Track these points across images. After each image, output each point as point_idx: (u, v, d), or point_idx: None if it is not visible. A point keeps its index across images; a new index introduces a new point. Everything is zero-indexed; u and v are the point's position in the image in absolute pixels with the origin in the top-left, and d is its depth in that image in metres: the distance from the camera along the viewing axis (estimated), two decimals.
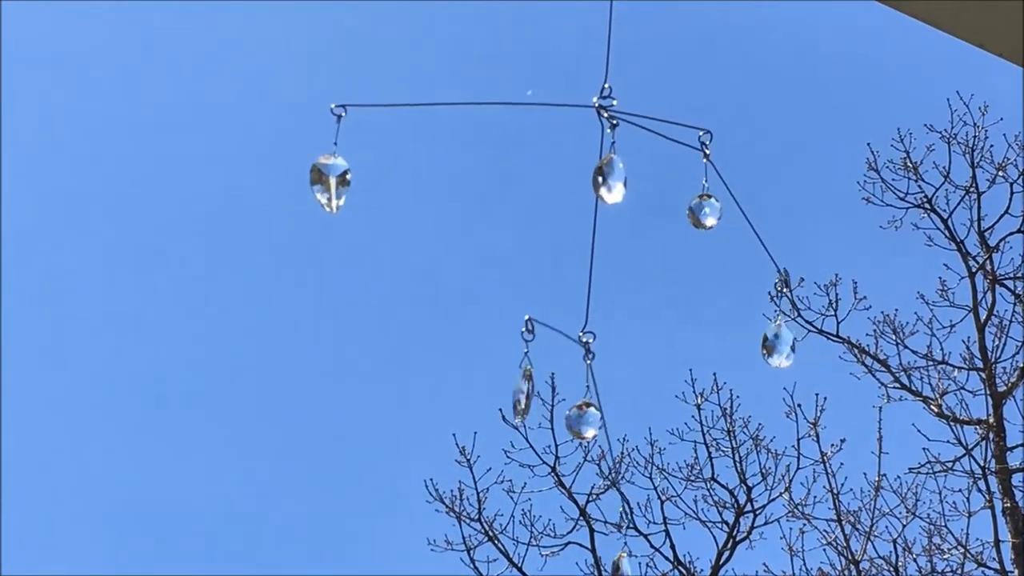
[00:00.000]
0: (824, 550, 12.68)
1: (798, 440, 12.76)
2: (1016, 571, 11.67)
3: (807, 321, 12.64)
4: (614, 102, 2.96)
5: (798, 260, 13.08)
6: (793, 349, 3.20)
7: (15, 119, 14.80)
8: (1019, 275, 12.66)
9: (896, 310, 12.80)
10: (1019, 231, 12.62)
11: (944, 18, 3.32)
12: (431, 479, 12.93)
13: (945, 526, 12.47)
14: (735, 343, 12.37)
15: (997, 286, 12.60)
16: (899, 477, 12.68)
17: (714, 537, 12.77)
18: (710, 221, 3.11)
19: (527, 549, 12.68)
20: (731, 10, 14.03)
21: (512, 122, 14.24)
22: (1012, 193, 12.62)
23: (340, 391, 16.79)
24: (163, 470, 16.23)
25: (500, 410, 11.85)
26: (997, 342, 12.46)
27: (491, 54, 15.49)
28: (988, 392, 12.30)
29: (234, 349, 16.87)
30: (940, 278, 12.70)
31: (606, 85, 2.94)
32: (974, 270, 12.64)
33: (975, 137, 12.73)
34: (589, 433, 3.05)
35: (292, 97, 14.95)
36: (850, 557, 12.52)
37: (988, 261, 12.62)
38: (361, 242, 15.79)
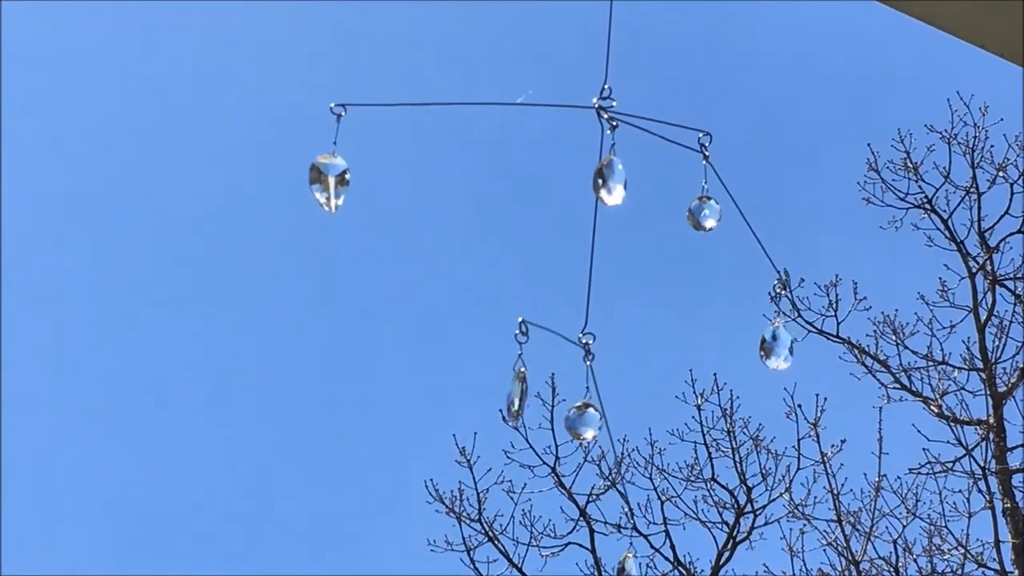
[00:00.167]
0: (824, 551, 12.70)
1: (798, 440, 12.77)
2: (1016, 572, 11.67)
3: (807, 321, 12.65)
4: (614, 103, 2.96)
5: (798, 260, 13.10)
6: (791, 351, 3.19)
7: (15, 119, 14.80)
8: (1019, 275, 12.66)
9: (896, 310, 12.81)
10: (1019, 231, 12.62)
11: (944, 18, 3.31)
12: (431, 479, 12.94)
13: (945, 527, 12.47)
14: (735, 343, 12.37)
15: (997, 287, 12.60)
16: (899, 477, 12.70)
17: (714, 537, 12.78)
18: (709, 223, 3.11)
19: (527, 550, 12.69)
20: (731, 10, 14.03)
21: (512, 123, 14.24)
22: (1012, 193, 12.62)
23: (340, 391, 16.79)
24: (163, 470, 16.23)
25: (500, 411, 11.79)
26: (997, 342, 12.47)
27: (491, 54, 15.49)
28: (988, 392, 12.30)
29: (234, 349, 16.87)
30: (940, 278, 12.71)
31: (606, 86, 2.94)
32: (974, 270, 12.63)
33: (975, 137, 12.74)
34: (588, 434, 3.04)
35: (292, 96, 14.96)
36: (850, 558, 12.52)
37: (988, 261, 12.61)
38: (361, 242, 15.79)
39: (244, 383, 16.77)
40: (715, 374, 12.83)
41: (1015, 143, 12.67)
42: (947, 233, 12.77)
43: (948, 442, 12.33)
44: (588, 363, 3.03)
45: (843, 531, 12.59)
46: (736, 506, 12.73)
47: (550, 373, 12.28)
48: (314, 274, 16.69)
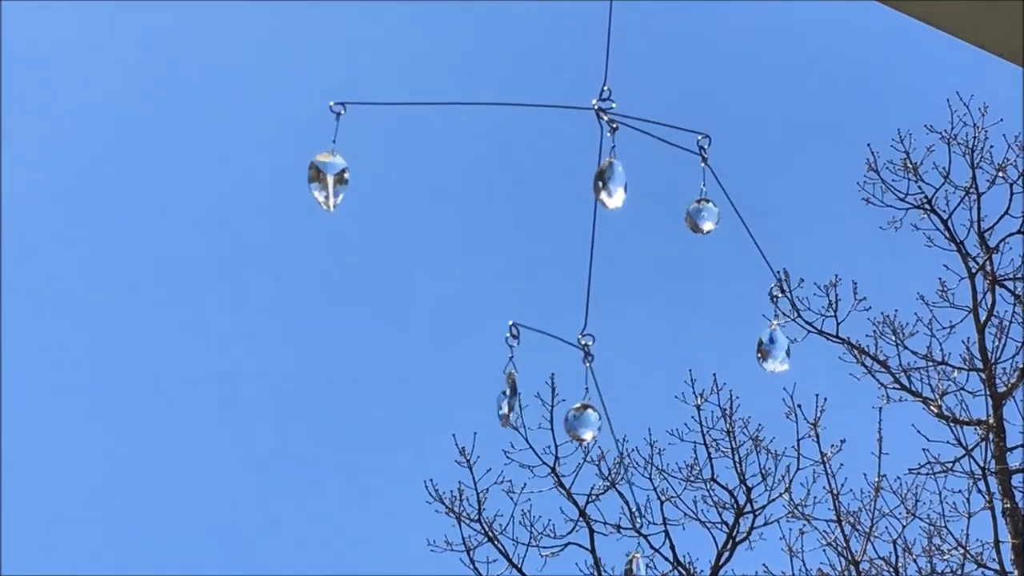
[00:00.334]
0: (824, 551, 12.69)
1: (798, 441, 12.76)
2: (1016, 572, 11.67)
3: (807, 322, 12.65)
4: (613, 104, 2.95)
5: (798, 260, 13.09)
6: (788, 354, 3.19)
7: (16, 119, 14.79)
8: (1019, 276, 12.66)
9: (896, 311, 12.81)
10: (1019, 232, 12.62)
11: (944, 18, 3.31)
12: (431, 479, 12.94)
13: (945, 527, 12.47)
14: (735, 343, 12.37)
15: (997, 287, 12.60)
16: (899, 478, 12.69)
17: (714, 538, 12.77)
18: (708, 226, 3.11)
19: (527, 550, 12.69)
20: (731, 10, 14.03)
21: (511, 123, 14.24)
22: (1012, 194, 12.63)
23: (340, 391, 16.79)
24: (163, 470, 16.23)
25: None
26: (997, 343, 12.47)
27: (491, 55, 15.49)
28: (988, 393, 12.30)
29: (233, 349, 16.87)
30: (940, 279, 12.71)
31: (605, 87, 2.93)
32: (974, 271, 12.63)
33: (975, 138, 12.74)
34: (587, 435, 3.03)
35: (291, 95, 14.95)
36: (850, 558, 12.52)
37: (988, 262, 12.61)
38: (361, 241, 15.79)
39: (244, 383, 16.77)
40: (714, 374, 12.84)
41: (1015, 143, 12.68)
42: (947, 233, 12.77)
43: (948, 442, 12.34)
44: (588, 364, 3.02)
45: (843, 531, 12.59)
46: (736, 506, 12.73)
47: (550, 373, 12.30)
48: (314, 273, 16.69)
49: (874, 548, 12.60)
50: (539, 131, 14.04)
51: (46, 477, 16.05)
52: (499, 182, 16.21)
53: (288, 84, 15.56)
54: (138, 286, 16.63)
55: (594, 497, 12.70)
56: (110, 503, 16.20)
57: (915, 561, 12.56)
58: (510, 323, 3.00)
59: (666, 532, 12.69)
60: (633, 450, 12.86)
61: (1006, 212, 12.63)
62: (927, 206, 12.80)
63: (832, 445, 12.77)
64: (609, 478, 12.69)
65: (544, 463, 12.61)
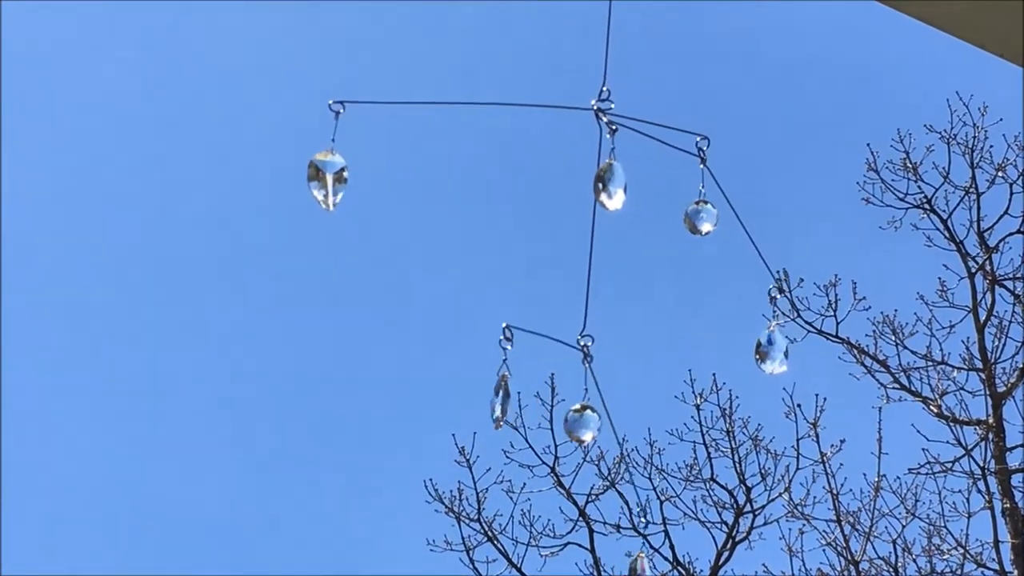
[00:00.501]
0: (824, 551, 12.69)
1: (797, 440, 12.76)
2: (1016, 572, 11.67)
3: (807, 321, 12.65)
4: (612, 105, 2.95)
5: (798, 260, 13.09)
6: (786, 355, 3.19)
7: (16, 119, 14.79)
8: (1019, 275, 12.66)
9: (896, 310, 12.80)
10: (1019, 231, 12.62)
11: (944, 18, 3.31)
12: (430, 479, 12.94)
13: (945, 527, 12.47)
14: (734, 343, 12.36)
15: (997, 286, 12.60)
16: (899, 478, 12.69)
17: (713, 538, 12.77)
18: (706, 227, 3.11)
19: (526, 549, 12.69)
20: (731, 10, 14.03)
21: (511, 123, 14.24)
22: (1012, 193, 12.63)
23: (340, 391, 16.79)
24: (163, 470, 16.23)
25: None
26: (997, 343, 12.47)
27: (491, 54, 15.48)
28: (988, 392, 12.30)
29: (233, 349, 16.87)
30: (940, 278, 12.71)
31: (604, 88, 2.93)
32: (974, 271, 12.63)
33: (975, 137, 12.74)
34: (587, 436, 3.03)
35: (291, 94, 14.95)
36: (849, 558, 12.52)
37: (988, 261, 12.61)
38: (360, 241, 15.79)
39: (243, 383, 16.77)
40: (714, 374, 12.84)
41: (1014, 143, 12.68)
42: (946, 233, 12.77)
43: (947, 442, 12.34)
44: (587, 365, 3.02)
45: (842, 531, 12.58)
46: (735, 506, 12.73)
47: (549, 373, 12.30)
48: (313, 273, 16.69)
49: (874, 548, 12.61)
50: (539, 131, 14.04)
51: (46, 477, 16.06)
52: (499, 182, 16.21)
53: (288, 83, 15.56)
54: (137, 286, 16.63)
55: (594, 497, 12.70)
56: (110, 503, 16.21)
57: (915, 561, 12.56)
58: (503, 325, 3.00)
59: (666, 532, 12.69)
60: (633, 450, 12.87)
61: (1006, 212, 12.64)
62: (927, 206, 12.80)
63: (832, 445, 12.78)
64: (609, 478, 12.69)
65: (544, 463, 12.62)
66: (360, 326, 16.77)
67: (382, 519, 15.94)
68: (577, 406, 3.02)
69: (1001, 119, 12.67)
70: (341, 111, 2.94)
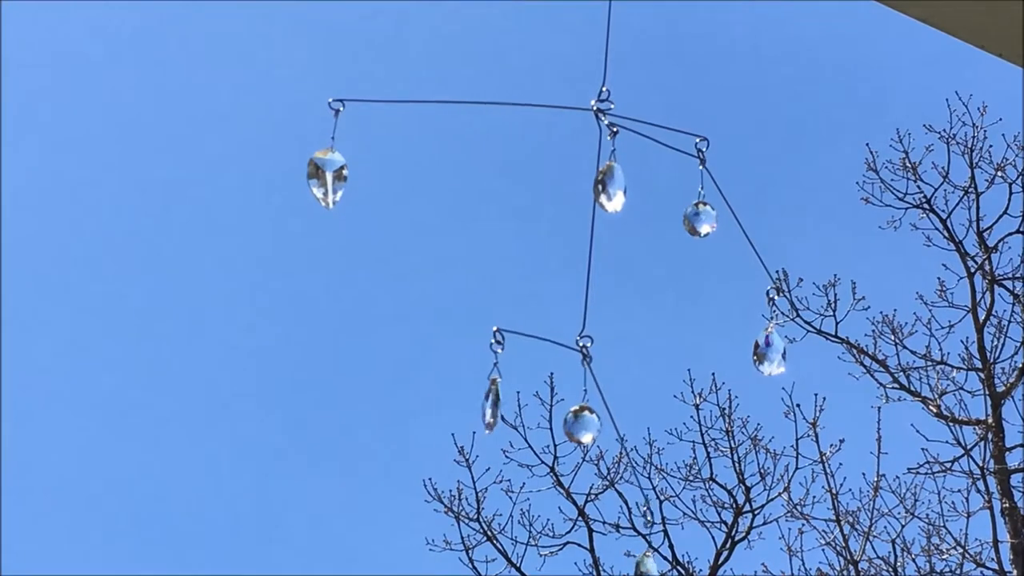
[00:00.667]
0: (823, 550, 12.69)
1: (797, 440, 12.76)
2: (1015, 571, 11.67)
3: (806, 321, 12.65)
4: (612, 105, 2.95)
5: (797, 260, 13.10)
6: (784, 356, 3.18)
7: (16, 119, 14.79)
8: (1018, 275, 12.67)
9: (895, 310, 12.81)
10: (1018, 231, 12.62)
11: (944, 18, 3.31)
12: (430, 479, 12.93)
13: (944, 526, 12.47)
14: (733, 343, 12.36)
15: (996, 286, 12.60)
16: (898, 477, 12.69)
17: (713, 537, 12.77)
18: (705, 228, 3.10)
19: (526, 549, 12.69)
20: (731, 11, 14.03)
21: (511, 123, 14.24)
22: (1011, 193, 12.63)
23: (339, 391, 16.79)
24: (163, 470, 16.23)
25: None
26: (996, 342, 12.47)
27: (492, 54, 15.48)
28: (987, 392, 12.30)
29: (232, 349, 16.86)
30: (939, 278, 12.71)
31: (604, 88, 2.93)
32: (973, 270, 12.63)
33: (974, 137, 12.74)
34: (586, 438, 3.02)
35: (291, 92, 14.95)
36: (849, 557, 12.51)
37: (987, 261, 12.61)
38: (359, 239, 15.78)
39: (243, 382, 16.77)
40: (713, 374, 12.84)
41: (1014, 143, 12.68)
42: (946, 233, 12.77)
43: (947, 442, 12.34)
44: (586, 366, 3.01)
45: (842, 531, 12.58)
46: (735, 506, 12.72)
47: (548, 373, 12.30)
48: (313, 272, 16.69)
49: (873, 548, 12.61)
50: (539, 132, 14.04)
51: (46, 477, 16.06)
52: (499, 182, 16.21)
53: (288, 82, 15.55)
54: (137, 286, 16.63)
55: (593, 497, 12.70)
56: (110, 503, 16.21)
57: (914, 561, 12.56)
58: (494, 329, 2.98)
59: (665, 532, 12.69)
60: (632, 450, 12.87)
61: (1005, 212, 12.64)
62: (926, 206, 12.80)
63: (831, 445, 12.78)
64: (608, 478, 12.69)
65: (543, 462, 12.62)
66: (360, 325, 16.77)
67: (382, 519, 15.94)
68: (576, 408, 3.01)
69: (1000, 119, 12.68)
70: (341, 109, 2.93)
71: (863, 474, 12.76)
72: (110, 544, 15.78)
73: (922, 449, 12.34)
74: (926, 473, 12.44)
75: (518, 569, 12.63)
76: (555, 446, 12.49)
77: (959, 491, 12.41)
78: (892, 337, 12.70)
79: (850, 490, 12.69)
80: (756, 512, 12.73)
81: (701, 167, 3.04)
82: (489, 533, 12.72)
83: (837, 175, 14.69)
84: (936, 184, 12.77)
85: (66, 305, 16.56)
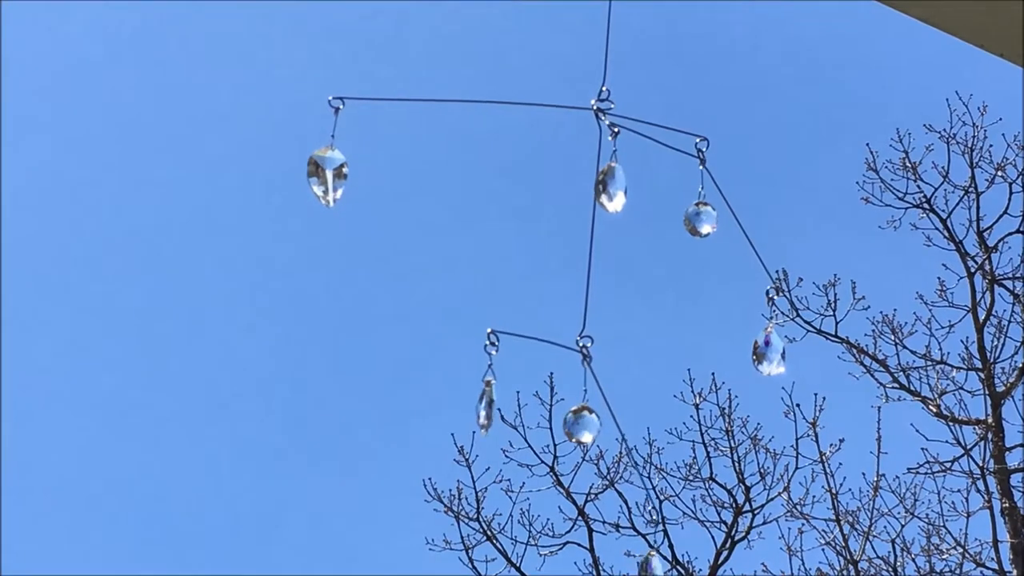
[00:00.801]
0: (823, 550, 12.69)
1: (796, 440, 12.76)
2: (1015, 571, 11.67)
3: (806, 321, 12.65)
4: (612, 105, 2.95)
5: (797, 260, 13.10)
6: (784, 356, 3.18)
7: (17, 119, 14.78)
8: (1018, 275, 12.67)
9: (895, 310, 12.81)
10: (1018, 231, 12.62)
11: (944, 18, 3.31)
12: (429, 478, 12.93)
13: (944, 526, 12.47)
14: (733, 342, 12.36)
15: (996, 286, 12.60)
16: (898, 477, 12.69)
17: (712, 537, 12.77)
18: (706, 229, 3.10)
19: (525, 548, 12.68)
20: (730, 11, 14.03)
21: (512, 123, 14.24)
22: (1011, 193, 12.63)
23: (339, 390, 16.79)
24: (163, 470, 16.22)
25: (499, 410, 11.86)
26: (996, 342, 12.47)
27: (492, 54, 15.48)
28: (987, 392, 12.30)
29: (232, 348, 16.86)
30: (939, 278, 12.71)
31: (604, 88, 2.93)
32: (973, 270, 12.63)
33: (974, 137, 12.74)
34: (586, 438, 3.02)
35: (291, 92, 14.94)
36: (849, 557, 12.51)
37: (987, 261, 12.61)
38: (359, 239, 15.78)
39: (243, 382, 16.76)
40: (713, 373, 12.84)
41: (1014, 143, 12.68)
42: (946, 233, 12.77)
43: (947, 442, 12.34)
44: (586, 366, 3.01)
45: (841, 530, 12.58)
46: (734, 505, 12.73)
47: (548, 372, 12.30)
48: (312, 271, 16.69)
49: (873, 547, 12.61)
50: (539, 131, 14.04)
51: (46, 477, 16.05)
52: (499, 181, 16.21)
53: (288, 82, 15.55)
54: (137, 286, 16.63)
55: (593, 496, 12.70)
56: (110, 503, 16.20)
57: (914, 560, 12.56)
58: (488, 331, 2.98)
59: (665, 531, 12.69)
60: (632, 449, 12.87)
61: (1005, 211, 12.64)
62: (926, 205, 12.80)
63: (831, 444, 12.78)
64: (608, 477, 12.69)
65: (543, 462, 12.62)
66: (359, 324, 16.77)
67: (382, 518, 15.94)
68: (576, 407, 3.01)
69: (1000, 119, 12.68)
70: (341, 107, 2.93)
71: (863, 474, 12.77)
72: (110, 544, 15.79)
73: (922, 449, 12.35)
74: (926, 473, 12.44)
75: (518, 569, 12.63)
76: (555, 446, 12.50)
77: (959, 491, 12.42)
78: (892, 337, 12.71)
79: (850, 490, 12.71)
80: (756, 512, 12.74)
81: (701, 167, 3.04)
82: (489, 533, 12.72)
83: (837, 175, 14.69)
84: (936, 184, 12.79)
85: (66, 305, 16.57)
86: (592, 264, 3.00)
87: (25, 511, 15.05)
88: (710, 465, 12.77)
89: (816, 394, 12.79)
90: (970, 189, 12.72)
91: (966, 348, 12.48)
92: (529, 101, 3.23)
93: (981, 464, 12.19)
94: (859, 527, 12.63)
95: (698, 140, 3.05)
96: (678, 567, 12.66)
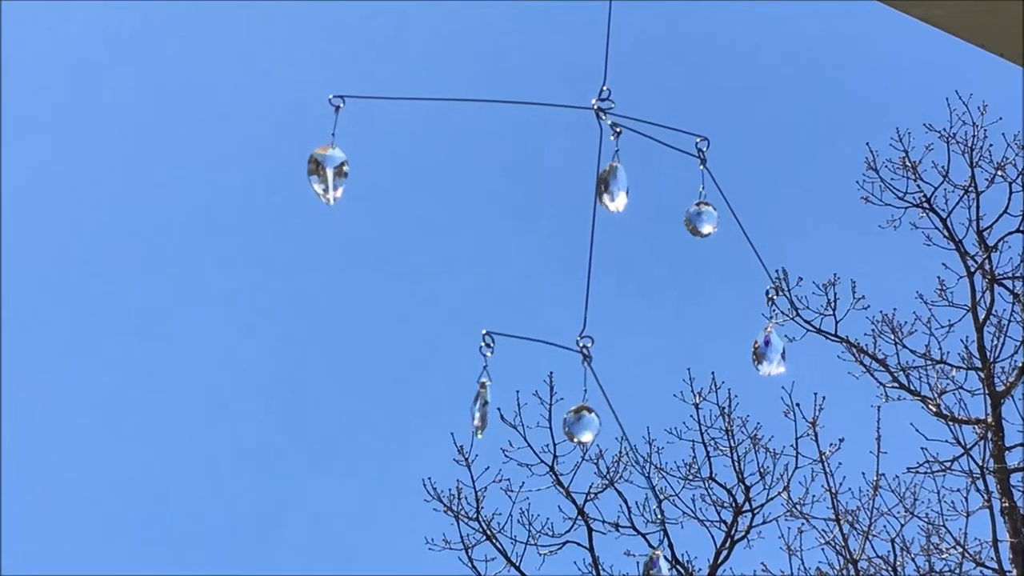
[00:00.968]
0: (822, 549, 12.69)
1: (796, 439, 12.76)
2: (1014, 571, 11.67)
3: (806, 320, 12.65)
4: (612, 104, 2.95)
5: (797, 259, 13.10)
6: (784, 356, 3.18)
7: (17, 119, 14.78)
8: (1018, 275, 12.67)
9: (895, 309, 12.81)
10: (1018, 231, 12.62)
11: (944, 18, 3.31)
12: (429, 478, 12.93)
13: (943, 525, 12.47)
14: (733, 342, 12.36)
15: (996, 285, 12.60)
16: (897, 476, 12.69)
17: (712, 536, 12.77)
18: (707, 228, 3.11)
19: (525, 548, 12.68)
20: (730, 11, 14.03)
21: (512, 122, 14.24)
22: (1011, 192, 12.63)
23: (338, 390, 16.79)
24: (163, 470, 16.22)
25: (499, 409, 11.87)
26: (996, 342, 12.47)
27: (493, 53, 15.48)
28: (986, 392, 12.30)
29: (232, 348, 16.86)
30: (939, 277, 12.71)
31: (604, 87, 2.93)
32: (973, 269, 12.64)
33: (974, 137, 12.74)
34: (586, 437, 3.02)
35: (290, 92, 14.94)
36: (848, 556, 12.51)
37: (987, 260, 12.61)
38: (359, 238, 15.78)
39: (243, 382, 16.76)
40: (713, 373, 12.84)
41: (1014, 142, 12.69)
42: (946, 232, 12.77)
43: (946, 441, 12.34)
44: (587, 366, 3.01)
45: (841, 530, 12.58)
46: (734, 505, 12.73)
47: (548, 371, 12.30)
48: (312, 270, 16.69)
49: (872, 547, 12.61)
50: (540, 131, 14.04)
51: (46, 477, 16.05)
52: (500, 180, 16.21)
53: (288, 82, 15.55)
54: (137, 286, 16.63)
55: (592, 496, 12.70)
56: (110, 503, 16.20)
57: (913, 560, 12.56)
58: (483, 332, 2.98)
59: (664, 531, 12.69)
60: (633, 448, 12.87)
61: (1005, 211, 12.64)
62: (926, 205, 12.80)
63: (830, 444, 12.78)
64: (608, 476, 12.69)
65: (542, 461, 12.61)
66: (359, 324, 16.77)
67: (381, 518, 15.94)
68: (576, 407, 3.01)
69: (1000, 118, 12.68)
70: (341, 105, 2.93)
71: (863, 473, 12.77)
72: (110, 544, 15.79)
73: (921, 448, 12.36)
74: (925, 472, 12.45)
75: (517, 568, 12.63)
76: (554, 445, 12.50)
77: (958, 490, 12.42)
78: (892, 336, 12.71)
79: (849, 489, 12.71)
80: (756, 511, 12.74)
81: (702, 167, 3.05)
82: (488, 532, 12.72)
83: (837, 175, 14.69)
84: (936, 183, 12.79)
85: (66, 305, 16.57)
86: (592, 264, 3.00)
87: (25, 511, 15.05)
88: (710, 465, 12.78)
89: (816, 393, 12.81)
90: (970, 188, 12.72)
91: (966, 347, 12.49)
92: (529, 101, 3.24)
93: (981, 463, 12.19)
94: (859, 526, 12.64)
95: (698, 140, 3.05)
96: (678, 566, 12.66)
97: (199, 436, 16.42)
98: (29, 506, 15.45)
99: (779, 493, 12.72)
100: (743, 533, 12.72)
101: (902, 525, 12.58)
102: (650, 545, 12.63)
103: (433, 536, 12.77)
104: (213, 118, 16.01)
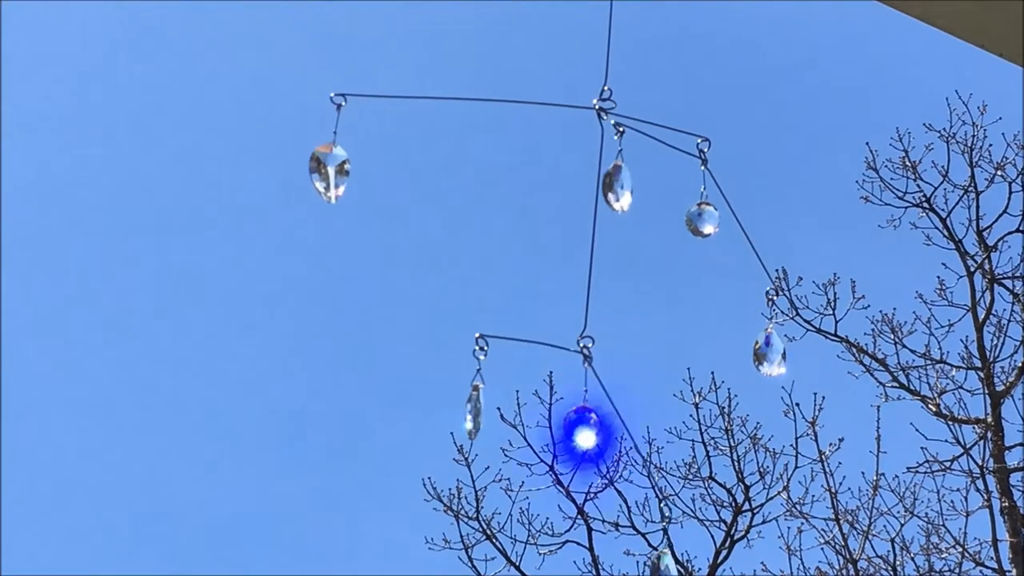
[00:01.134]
0: (822, 549, 12.69)
1: (796, 439, 12.76)
2: (1014, 570, 11.67)
3: (805, 320, 12.65)
4: (614, 104, 2.95)
5: (796, 259, 13.10)
6: (784, 357, 3.18)
7: (18, 119, 14.78)
8: (1018, 274, 12.67)
9: (894, 309, 12.81)
10: (1018, 230, 12.63)
11: (944, 18, 3.31)
12: (429, 477, 12.92)
13: (943, 525, 12.47)
14: (733, 342, 12.36)
15: (995, 285, 12.61)
16: (897, 476, 12.69)
17: (712, 536, 12.77)
18: (708, 228, 3.11)
19: (525, 548, 12.68)
20: (730, 11, 14.03)
21: (513, 122, 14.24)
22: (1011, 192, 12.64)
23: (338, 389, 16.79)
24: (163, 470, 16.22)
25: (498, 409, 11.88)
26: (995, 341, 12.47)
27: (492, 54, 15.49)
28: (986, 391, 12.30)
29: (231, 347, 16.86)
30: (938, 277, 12.72)
31: (605, 87, 2.93)
32: (972, 269, 12.64)
33: (974, 136, 12.75)
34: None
35: (290, 92, 14.95)
36: (848, 556, 12.52)
37: (986, 260, 12.62)
38: (359, 237, 15.78)
39: (241, 382, 16.76)
40: (712, 372, 12.84)
41: (1014, 142, 12.69)
42: (945, 232, 12.78)
43: (946, 441, 12.35)
44: (588, 366, 3.01)
45: (841, 530, 12.58)
46: (734, 504, 12.73)
47: (548, 371, 12.30)
48: (312, 270, 16.69)
49: (872, 547, 12.62)
50: (541, 130, 14.05)
51: (46, 477, 16.05)
52: (500, 180, 16.21)
53: (288, 82, 15.55)
54: (137, 286, 16.63)
55: (592, 495, 12.70)
56: (110, 503, 16.21)
57: (913, 560, 12.56)
58: (476, 335, 2.98)
59: (664, 530, 12.68)
60: (631, 448, 12.87)
61: (1005, 211, 12.64)
62: (926, 205, 12.81)
63: (830, 443, 12.78)
64: (608, 476, 12.69)
65: (542, 461, 12.62)
66: (360, 324, 16.77)
67: (380, 517, 15.94)
68: (576, 407, 3.01)
69: (1000, 118, 12.68)
70: (343, 104, 2.94)
71: (862, 473, 12.78)
72: (110, 544, 15.79)
73: (921, 448, 12.36)
74: (925, 472, 12.45)
75: (517, 568, 12.63)
76: (554, 444, 12.49)
77: (958, 490, 12.43)
78: (892, 336, 12.71)
79: (849, 489, 12.71)
80: (755, 511, 12.74)
81: (702, 167, 3.05)
82: (488, 532, 12.72)
83: (837, 175, 14.69)
84: (936, 183, 12.80)
85: (66, 305, 16.56)
86: (593, 264, 3.00)
87: (25, 511, 15.06)
88: (709, 464, 12.78)
89: (816, 393, 12.81)
90: (970, 188, 12.73)
91: (966, 347, 12.49)
92: (530, 100, 3.24)
93: (980, 463, 12.20)
94: (858, 526, 12.64)
95: (699, 140, 3.05)
96: (678, 566, 12.66)
97: (199, 436, 16.43)
98: (29, 506, 15.45)
99: (779, 493, 12.72)
100: (743, 533, 12.73)
101: (902, 525, 12.59)
102: (650, 545, 12.64)
103: (433, 536, 12.78)
104: (213, 118, 16.02)
